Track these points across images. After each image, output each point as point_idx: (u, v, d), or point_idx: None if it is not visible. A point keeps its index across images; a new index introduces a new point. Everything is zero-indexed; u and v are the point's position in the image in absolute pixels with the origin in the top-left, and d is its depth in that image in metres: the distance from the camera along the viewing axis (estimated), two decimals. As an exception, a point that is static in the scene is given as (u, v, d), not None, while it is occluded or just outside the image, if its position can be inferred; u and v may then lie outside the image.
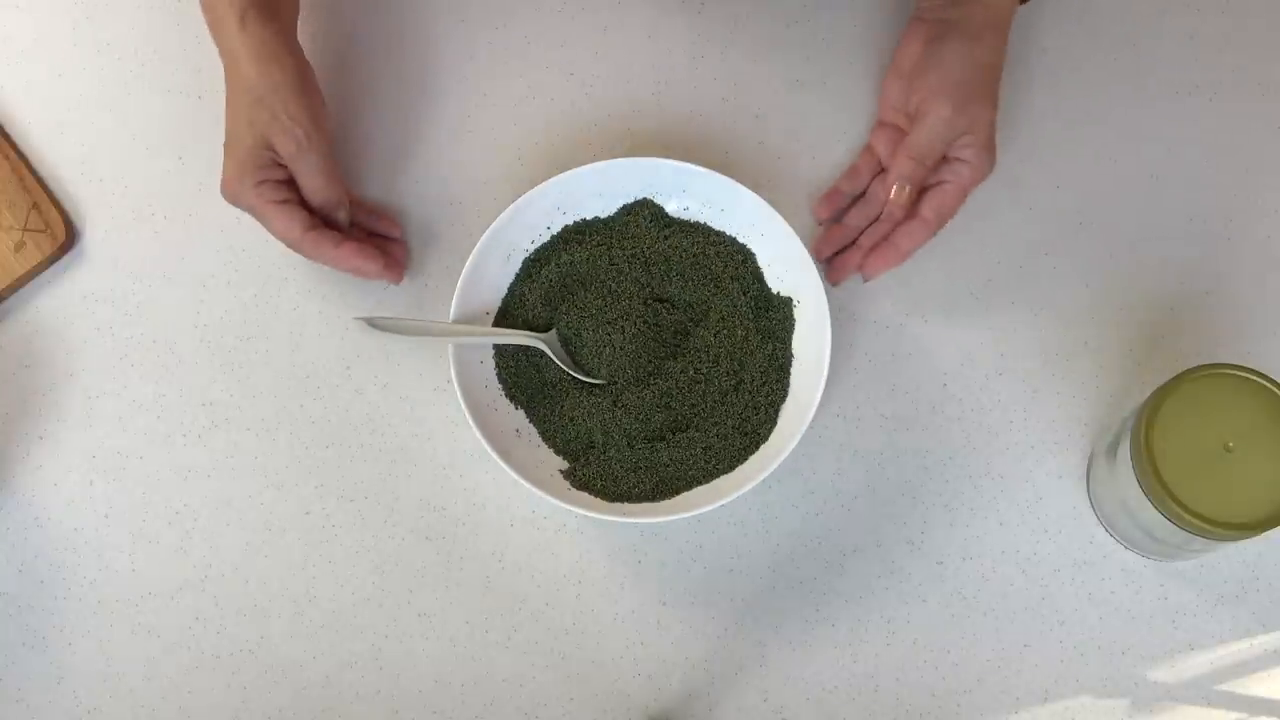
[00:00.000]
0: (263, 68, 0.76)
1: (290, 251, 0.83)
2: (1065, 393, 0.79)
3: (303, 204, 0.78)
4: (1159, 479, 0.66)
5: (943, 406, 0.79)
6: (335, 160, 0.78)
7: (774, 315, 0.78)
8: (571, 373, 0.78)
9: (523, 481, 0.73)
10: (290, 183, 0.78)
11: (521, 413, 0.77)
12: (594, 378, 0.78)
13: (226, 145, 0.78)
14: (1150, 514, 0.68)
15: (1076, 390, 0.79)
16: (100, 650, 0.78)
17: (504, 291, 0.79)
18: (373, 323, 0.77)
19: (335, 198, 0.78)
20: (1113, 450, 0.71)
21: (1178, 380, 0.67)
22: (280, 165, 0.77)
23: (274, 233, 0.78)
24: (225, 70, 0.78)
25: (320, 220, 0.79)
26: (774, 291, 0.79)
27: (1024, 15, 0.84)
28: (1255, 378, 0.67)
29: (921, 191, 0.78)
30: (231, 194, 0.78)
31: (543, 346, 0.77)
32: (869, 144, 0.83)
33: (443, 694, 0.76)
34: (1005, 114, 0.83)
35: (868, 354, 0.80)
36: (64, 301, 0.83)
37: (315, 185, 0.77)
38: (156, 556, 0.79)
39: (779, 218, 0.77)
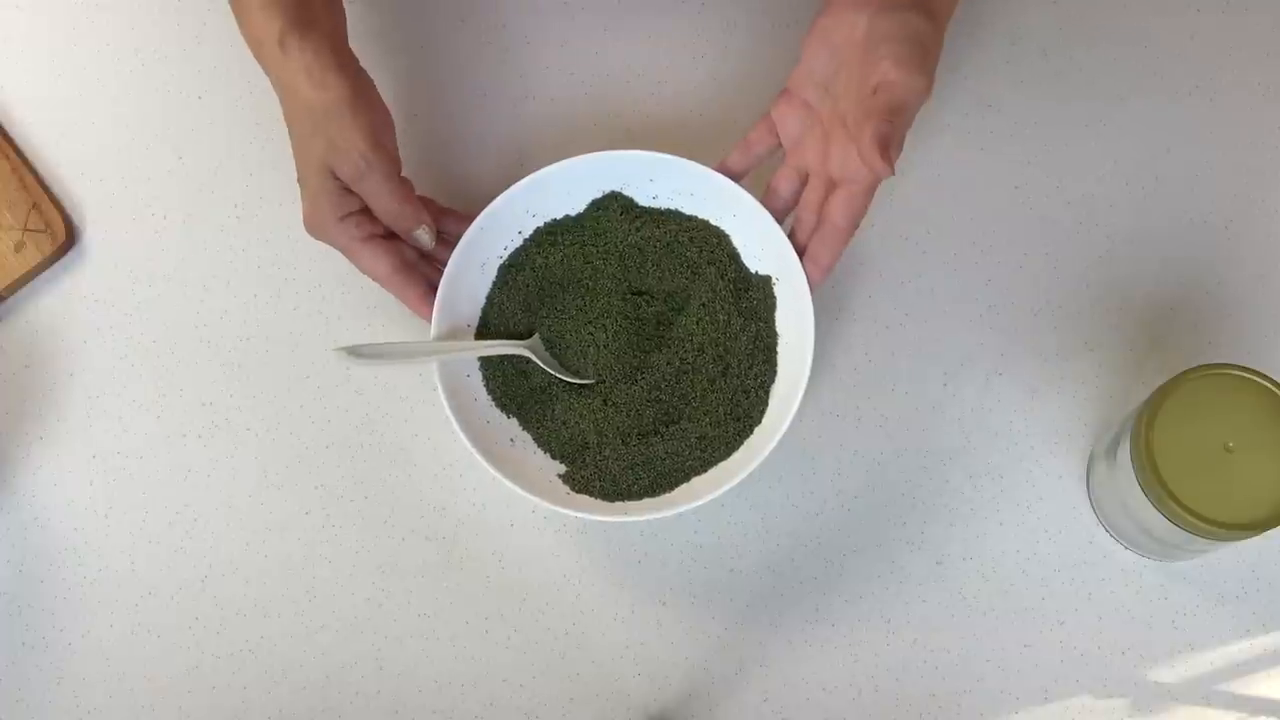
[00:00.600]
0: (312, 93, 0.72)
1: (291, 251, 0.83)
2: (1065, 393, 0.79)
3: (392, 236, 0.76)
4: (1159, 479, 0.66)
5: (943, 406, 0.79)
6: (402, 180, 0.75)
7: (754, 295, 0.77)
8: (559, 375, 0.77)
9: (522, 492, 0.73)
10: (368, 213, 0.75)
11: (514, 421, 0.77)
12: (581, 378, 0.78)
13: (299, 179, 0.75)
14: (1150, 514, 0.68)
15: (1076, 390, 0.79)
16: (100, 650, 0.78)
17: (482, 302, 0.79)
18: (354, 352, 0.75)
19: (409, 219, 0.75)
20: (1113, 450, 0.71)
21: (1178, 380, 0.67)
22: (354, 194, 0.74)
23: (361, 270, 0.76)
24: (280, 100, 0.74)
25: (410, 254, 0.76)
26: (752, 271, 0.78)
27: (1024, 16, 0.85)
28: (1255, 378, 0.67)
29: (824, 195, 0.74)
30: (314, 231, 0.75)
31: (527, 353, 0.77)
32: (769, 116, 0.76)
33: (443, 694, 0.76)
34: (1007, 116, 0.83)
35: (868, 354, 0.80)
36: (64, 301, 0.83)
37: (383, 208, 0.74)
38: (156, 556, 0.79)
39: (748, 196, 0.76)
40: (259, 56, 0.74)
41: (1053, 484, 0.77)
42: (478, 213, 0.77)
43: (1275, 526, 0.65)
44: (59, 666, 0.78)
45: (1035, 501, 0.77)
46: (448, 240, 0.78)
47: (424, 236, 0.76)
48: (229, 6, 0.76)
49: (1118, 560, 0.76)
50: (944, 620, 0.76)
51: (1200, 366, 0.67)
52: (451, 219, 0.79)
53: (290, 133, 0.75)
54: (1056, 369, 0.79)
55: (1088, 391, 0.79)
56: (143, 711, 0.77)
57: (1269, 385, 0.66)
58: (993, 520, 0.77)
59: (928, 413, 0.79)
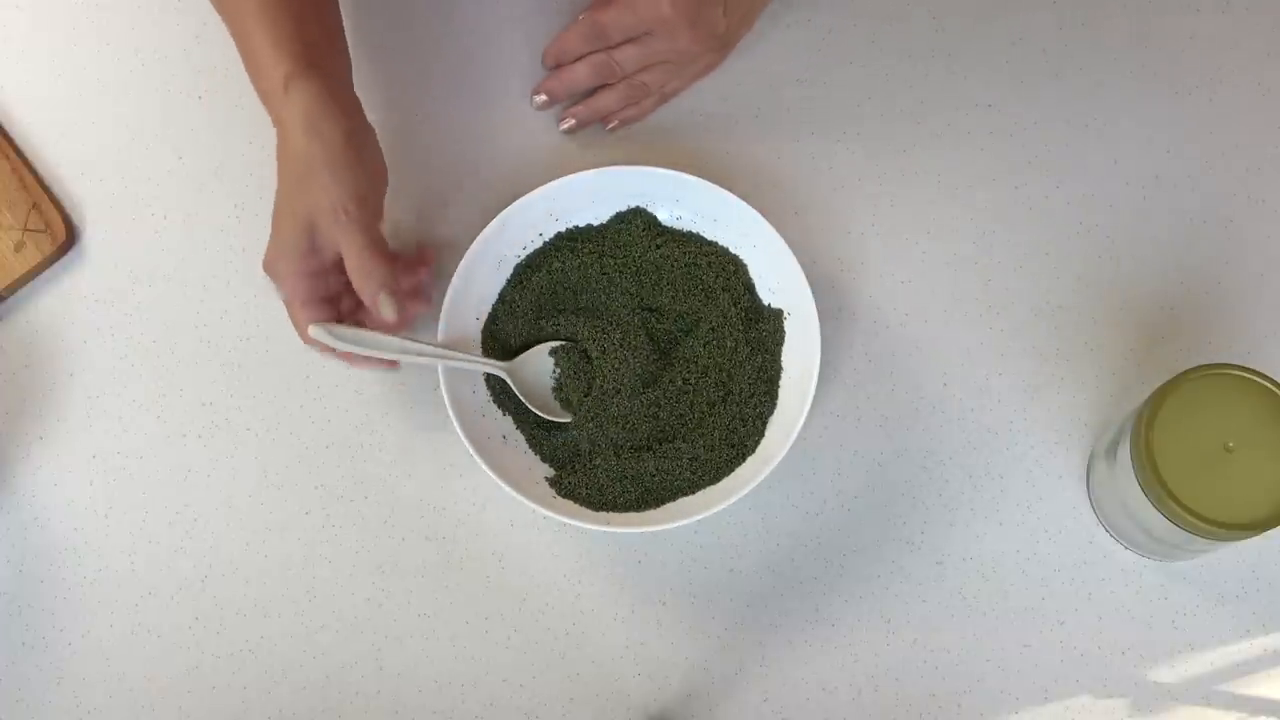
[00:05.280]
0: (304, 140, 0.71)
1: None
2: (1065, 393, 0.79)
3: (333, 304, 0.76)
4: (1159, 479, 0.66)
5: (943, 406, 0.79)
6: (378, 240, 0.73)
7: (764, 327, 0.78)
8: (530, 408, 0.77)
9: (507, 488, 0.73)
10: (327, 274, 0.75)
11: (509, 419, 0.77)
12: (568, 405, 0.78)
13: (274, 217, 0.74)
14: (1150, 514, 0.68)
15: (1076, 390, 0.79)
16: (100, 650, 0.78)
17: (494, 298, 0.79)
18: (332, 332, 0.74)
19: (372, 286, 0.72)
20: (1113, 450, 0.71)
21: (1178, 380, 0.67)
22: (323, 250, 0.73)
23: (293, 323, 0.76)
24: (277, 139, 0.74)
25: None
26: (765, 303, 0.78)
27: (1024, 16, 0.85)
28: (1255, 378, 0.67)
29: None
30: (269, 272, 0.75)
31: (504, 376, 0.77)
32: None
33: (443, 694, 0.76)
34: (1007, 116, 0.83)
35: (867, 354, 0.80)
36: (64, 301, 0.83)
37: (352, 267, 0.73)
38: (156, 556, 0.79)
39: (772, 230, 0.76)
40: (264, 101, 0.74)
41: (1053, 484, 0.77)
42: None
43: (1275, 526, 0.65)
44: (59, 666, 0.78)
45: (1035, 501, 0.77)
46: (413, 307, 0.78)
47: (386, 306, 0.73)
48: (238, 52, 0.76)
49: (1118, 560, 0.76)
50: (944, 620, 0.76)
51: (1200, 366, 0.67)
52: (407, 276, 0.78)
53: (279, 171, 0.74)
54: (1056, 369, 0.79)
55: (1088, 391, 0.79)
56: (143, 711, 0.77)
57: (1269, 385, 0.66)
58: (993, 520, 0.77)
59: (928, 413, 0.79)
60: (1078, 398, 0.78)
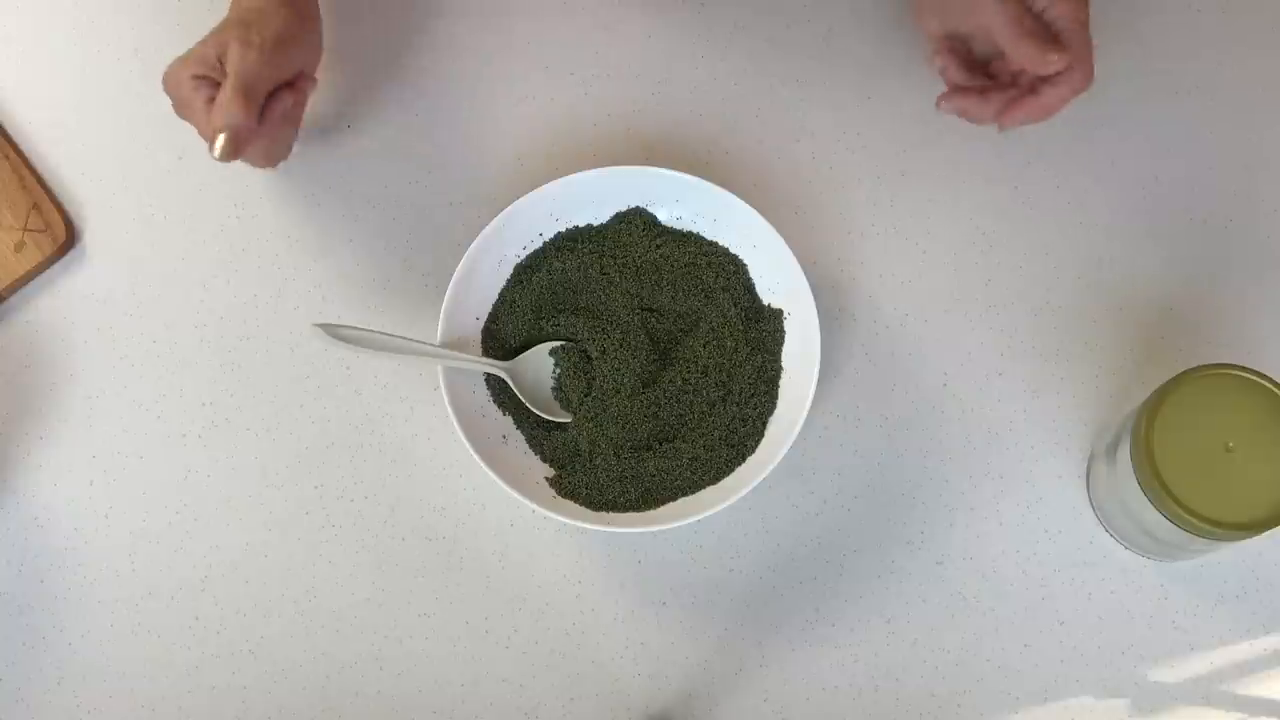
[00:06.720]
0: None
1: (290, 251, 0.83)
2: (1065, 393, 0.79)
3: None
4: (1159, 479, 0.66)
5: (943, 406, 0.79)
6: (253, 88, 0.74)
7: (764, 327, 0.78)
8: (531, 408, 0.77)
9: (507, 488, 0.73)
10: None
11: (509, 419, 0.77)
12: (567, 404, 0.78)
13: (201, 42, 0.76)
14: (1150, 514, 0.68)
15: (1076, 390, 0.79)
16: (100, 650, 0.78)
17: (494, 298, 0.79)
18: (331, 331, 0.75)
19: (218, 120, 0.73)
20: (1113, 450, 0.71)
21: (1178, 380, 0.67)
22: (220, 70, 0.75)
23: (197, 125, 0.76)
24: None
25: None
26: (765, 304, 0.78)
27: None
28: (1255, 378, 0.67)
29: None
30: (170, 80, 0.76)
31: (505, 376, 0.77)
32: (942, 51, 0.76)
33: (443, 694, 0.76)
34: (1005, 114, 0.83)
35: (868, 354, 0.80)
36: (64, 301, 0.83)
37: (225, 90, 0.74)
38: (156, 556, 0.79)
39: (772, 230, 0.76)
40: None
41: (1053, 484, 0.77)
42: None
43: (1275, 526, 0.65)
44: (59, 666, 0.78)
45: (1035, 501, 0.77)
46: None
47: (219, 145, 0.73)
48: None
49: (1118, 560, 0.76)
50: (944, 620, 0.76)
51: (1200, 366, 0.67)
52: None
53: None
54: (1056, 369, 0.79)
55: (1088, 391, 0.79)
56: (143, 711, 0.77)
57: (1269, 385, 0.66)
58: (993, 520, 0.77)
59: (928, 413, 0.79)
60: (1078, 398, 0.78)
